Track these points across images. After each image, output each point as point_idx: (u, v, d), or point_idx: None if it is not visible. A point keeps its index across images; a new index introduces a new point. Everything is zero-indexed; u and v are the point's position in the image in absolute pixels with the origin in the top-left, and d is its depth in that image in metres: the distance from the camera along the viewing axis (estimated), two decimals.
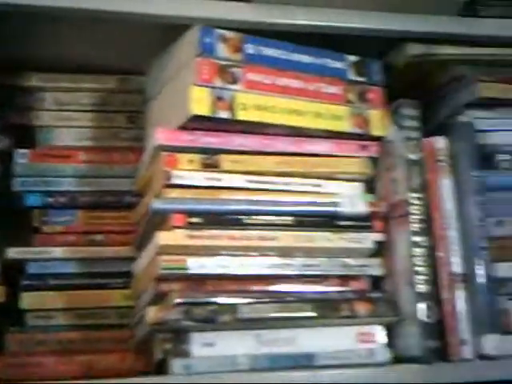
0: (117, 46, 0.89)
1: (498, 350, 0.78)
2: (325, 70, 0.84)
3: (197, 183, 0.78)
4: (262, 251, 0.78)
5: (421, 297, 0.78)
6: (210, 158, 0.79)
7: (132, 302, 0.86)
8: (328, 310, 0.77)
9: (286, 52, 0.82)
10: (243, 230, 0.78)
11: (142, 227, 0.84)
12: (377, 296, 0.80)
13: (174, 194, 0.77)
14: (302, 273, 0.79)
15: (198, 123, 0.78)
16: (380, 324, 0.79)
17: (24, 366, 0.83)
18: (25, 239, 0.91)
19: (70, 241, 0.91)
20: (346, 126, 0.83)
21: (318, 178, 0.83)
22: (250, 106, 0.79)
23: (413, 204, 0.81)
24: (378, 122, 0.85)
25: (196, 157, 0.79)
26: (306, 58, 0.83)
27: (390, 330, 0.80)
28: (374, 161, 0.85)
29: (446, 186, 0.82)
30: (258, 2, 0.81)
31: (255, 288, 0.78)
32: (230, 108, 0.78)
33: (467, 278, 0.80)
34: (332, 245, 0.80)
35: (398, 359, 0.79)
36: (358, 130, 0.84)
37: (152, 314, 0.75)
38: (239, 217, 0.78)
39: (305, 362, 0.76)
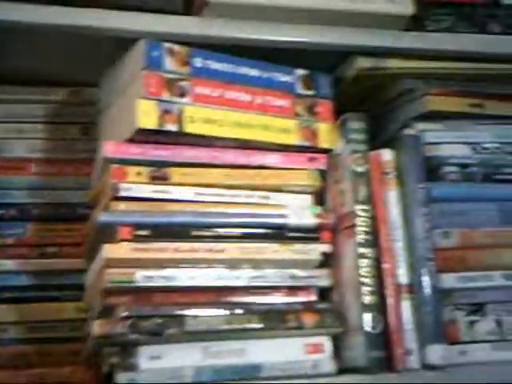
0: (69, 58, 0.89)
1: (444, 359, 0.79)
2: (273, 84, 0.84)
3: (145, 196, 0.78)
4: (210, 263, 0.79)
5: (367, 307, 0.79)
6: (158, 171, 0.79)
7: (85, 315, 0.86)
8: (275, 322, 0.78)
9: (233, 65, 0.82)
10: (191, 242, 0.78)
11: (90, 239, 0.84)
12: (324, 307, 0.80)
13: (122, 206, 0.77)
14: (249, 284, 0.80)
15: (146, 136, 0.78)
16: (327, 335, 0.80)
17: None
18: None
19: (22, 253, 0.91)
20: (294, 139, 0.84)
21: (267, 190, 0.83)
22: (198, 119, 0.79)
23: (359, 216, 0.82)
24: (327, 134, 0.85)
25: (144, 169, 0.79)
26: (254, 72, 0.84)
27: (337, 341, 0.80)
28: (322, 173, 0.85)
29: (392, 198, 0.83)
30: (207, 16, 0.82)
31: (203, 300, 0.78)
32: (178, 121, 0.78)
33: (413, 288, 0.81)
34: (280, 256, 0.81)
35: (344, 370, 0.79)
36: (306, 143, 0.84)
37: (98, 327, 0.74)
38: (187, 229, 0.78)
39: (251, 373, 0.76)
